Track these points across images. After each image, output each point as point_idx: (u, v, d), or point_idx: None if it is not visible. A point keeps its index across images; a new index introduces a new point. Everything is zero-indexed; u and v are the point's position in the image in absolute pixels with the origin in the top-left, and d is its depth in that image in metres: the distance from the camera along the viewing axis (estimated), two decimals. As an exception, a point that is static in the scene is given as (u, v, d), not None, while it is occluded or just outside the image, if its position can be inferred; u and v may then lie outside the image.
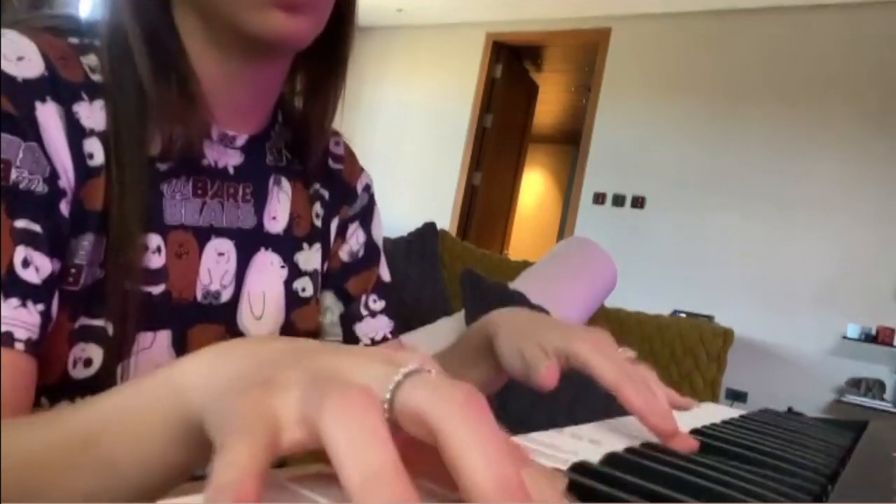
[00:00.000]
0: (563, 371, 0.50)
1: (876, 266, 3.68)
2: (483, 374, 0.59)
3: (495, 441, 0.20)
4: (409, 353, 0.25)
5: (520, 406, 1.24)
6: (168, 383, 0.27)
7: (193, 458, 0.28)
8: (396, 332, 0.69)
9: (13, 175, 0.42)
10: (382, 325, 0.67)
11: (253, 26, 0.48)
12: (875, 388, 3.60)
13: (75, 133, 0.46)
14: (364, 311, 0.66)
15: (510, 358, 0.54)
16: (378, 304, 0.68)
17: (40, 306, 0.42)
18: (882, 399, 3.57)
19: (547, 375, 0.49)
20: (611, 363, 0.48)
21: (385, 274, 0.70)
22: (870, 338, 3.61)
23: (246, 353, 0.27)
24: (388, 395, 0.22)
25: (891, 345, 3.56)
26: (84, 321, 0.46)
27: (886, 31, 3.79)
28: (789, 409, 0.87)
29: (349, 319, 0.66)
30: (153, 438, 0.27)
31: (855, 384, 3.65)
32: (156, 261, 0.50)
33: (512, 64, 5.33)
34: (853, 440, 0.60)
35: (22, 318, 0.41)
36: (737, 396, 3.78)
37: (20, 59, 0.44)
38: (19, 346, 0.40)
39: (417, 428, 0.21)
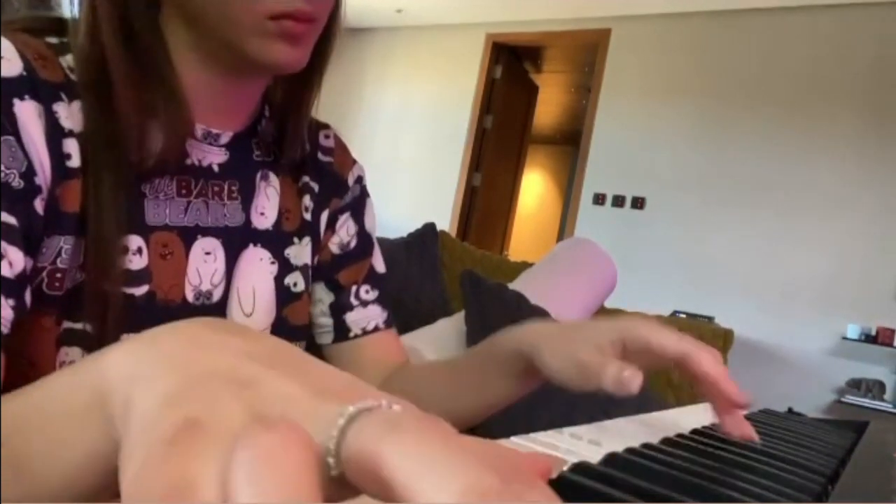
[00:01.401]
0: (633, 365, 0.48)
1: (876, 266, 3.68)
2: (509, 388, 0.58)
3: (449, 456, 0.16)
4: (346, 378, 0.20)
5: (520, 406, 1.24)
6: (91, 377, 0.22)
7: (110, 472, 0.22)
8: (391, 321, 0.69)
9: None
10: (374, 314, 0.67)
11: (254, 53, 0.48)
12: (875, 388, 3.60)
13: (54, 132, 0.45)
14: (355, 301, 0.66)
15: (564, 368, 0.51)
16: (370, 295, 0.67)
17: (12, 301, 0.41)
18: (882, 400, 3.56)
19: (631, 380, 0.45)
20: (671, 335, 0.48)
21: (379, 265, 0.70)
22: (870, 338, 3.60)
23: (178, 361, 0.21)
24: (332, 445, 0.17)
25: (891, 345, 3.55)
26: (67, 325, 0.46)
27: (887, 31, 3.79)
28: (789, 410, 0.87)
29: (339, 309, 0.66)
30: (69, 440, 0.23)
31: (855, 385, 3.65)
32: (137, 262, 0.49)
33: (512, 64, 5.33)
34: (853, 441, 0.60)
35: None
36: (737, 397, 3.77)
37: None
38: None
39: (371, 483, 0.17)
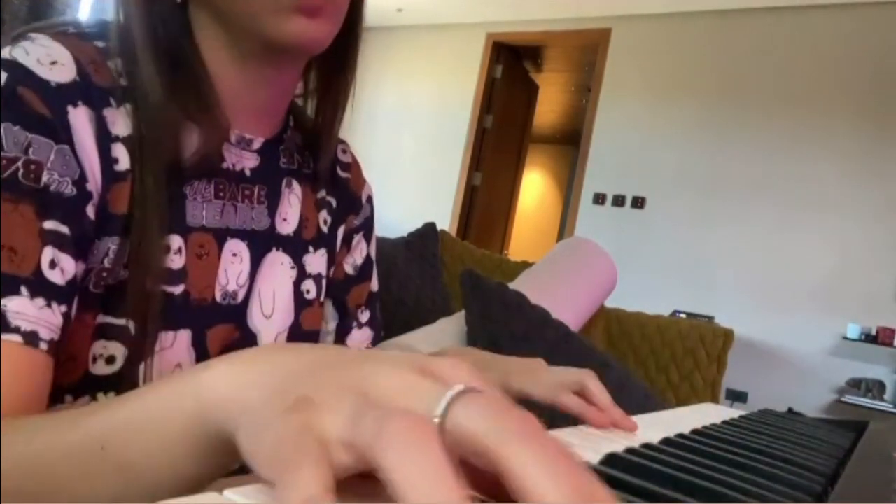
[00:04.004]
0: None
1: (876, 266, 3.68)
2: None
3: (562, 461, 0.19)
4: (449, 364, 0.24)
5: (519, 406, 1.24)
6: (190, 393, 0.27)
7: (211, 468, 0.28)
8: (377, 340, 0.72)
9: (44, 177, 0.42)
10: (366, 336, 0.71)
11: (273, 31, 0.48)
12: (875, 388, 3.60)
13: (104, 137, 0.46)
14: (354, 324, 0.70)
15: None
16: (364, 316, 0.71)
17: (63, 308, 0.43)
18: (882, 399, 3.56)
19: None
20: (543, 386, 0.56)
21: (374, 284, 0.73)
22: (870, 338, 3.60)
23: (272, 364, 0.26)
24: (437, 419, 0.21)
25: (891, 345, 3.55)
26: (106, 319, 0.47)
27: (887, 31, 3.78)
28: (789, 410, 0.87)
29: (343, 332, 0.69)
30: (172, 447, 0.27)
31: (855, 384, 3.65)
32: (176, 262, 0.51)
33: (512, 64, 5.33)
34: (853, 440, 0.60)
35: (46, 319, 0.41)
36: (737, 396, 3.77)
37: (53, 63, 0.44)
38: (43, 346, 0.41)
39: (470, 452, 0.21)
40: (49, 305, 0.41)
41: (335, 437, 0.21)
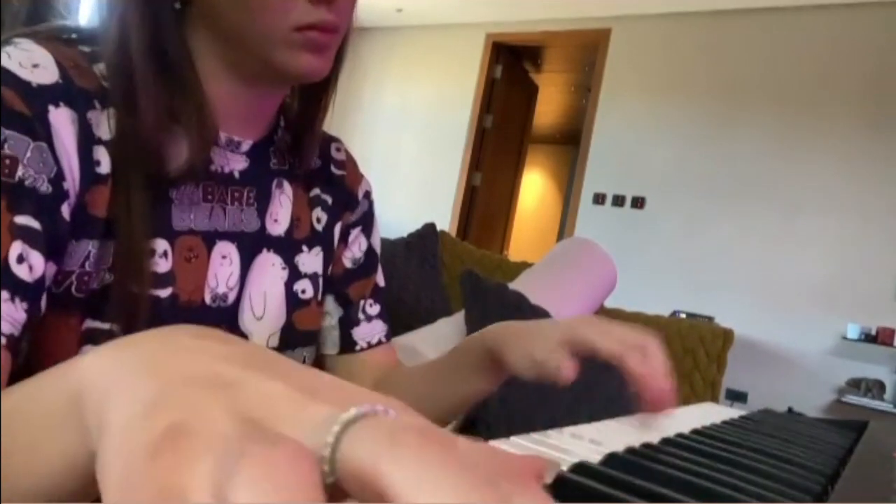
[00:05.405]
0: (572, 359, 0.53)
1: (876, 266, 3.68)
2: (479, 382, 0.62)
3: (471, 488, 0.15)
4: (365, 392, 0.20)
5: (521, 406, 1.24)
6: (72, 376, 0.22)
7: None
8: (390, 334, 0.72)
9: (19, 171, 0.42)
10: (378, 328, 0.70)
11: (279, 63, 0.50)
12: (875, 388, 3.60)
13: (87, 139, 0.46)
14: (361, 316, 0.69)
15: (521, 363, 0.56)
16: (374, 309, 0.70)
17: (26, 304, 0.42)
18: (882, 399, 3.56)
19: (565, 369, 0.51)
20: (610, 338, 0.52)
21: (381, 279, 0.73)
22: (870, 338, 3.60)
23: (157, 366, 0.20)
24: (327, 453, 0.16)
25: (891, 345, 3.55)
26: (92, 324, 0.47)
27: (886, 31, 3.79)
28: (789, 410, 0.87)
29: (347, 324, 0.68)
30: (59, 435, 0.22)
31: (855, 384, 3.65)
32: (162, 265, 0.51)
33: (512, 64, 5.33)
34: (853, 440, 0.60)
35: (8, 313, 0.41)
36: (737, 396, 3.77)
37: (35, 66, 0.45)
38: (1, 339, 0.40)
39: (364, 487, 0.16)
40: (12, 300, 0.41)
41: (200, 483, 0.16)
